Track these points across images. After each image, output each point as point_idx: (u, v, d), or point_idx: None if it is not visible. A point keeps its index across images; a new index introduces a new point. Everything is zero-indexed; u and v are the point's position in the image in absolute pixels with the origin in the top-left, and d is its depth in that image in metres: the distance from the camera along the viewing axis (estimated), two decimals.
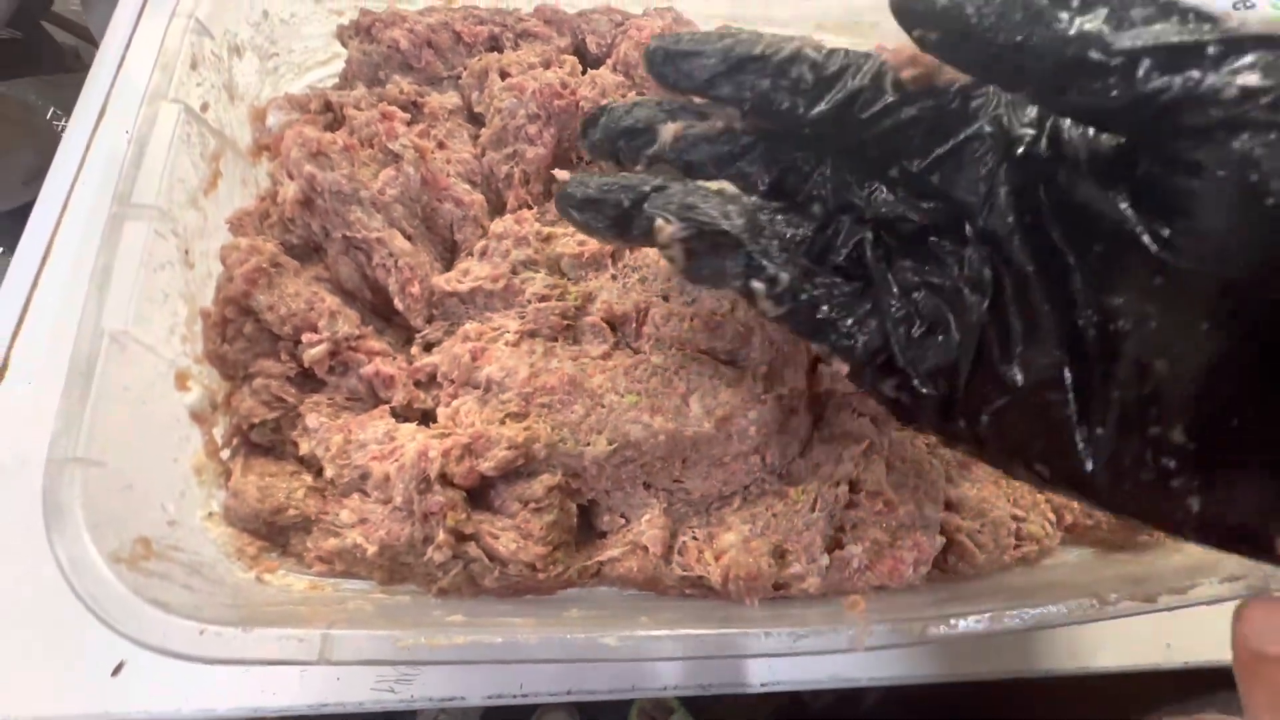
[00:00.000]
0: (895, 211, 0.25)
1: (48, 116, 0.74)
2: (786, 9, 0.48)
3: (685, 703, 0.80)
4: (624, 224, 0.27)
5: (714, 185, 0.27)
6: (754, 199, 0.27)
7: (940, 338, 0.24)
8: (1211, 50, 0.17)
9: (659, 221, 0.26)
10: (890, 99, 0.24)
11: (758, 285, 0.25)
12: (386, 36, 0.41)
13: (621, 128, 0.28)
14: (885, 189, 0.26)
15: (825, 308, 0.26)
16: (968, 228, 0.24)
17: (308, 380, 0.36)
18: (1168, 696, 0.44)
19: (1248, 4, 0.57)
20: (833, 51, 0.24)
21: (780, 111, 0.25)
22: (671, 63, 0.26)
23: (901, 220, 0.25)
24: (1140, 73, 0.18)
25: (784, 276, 0.25)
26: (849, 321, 0.26)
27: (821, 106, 0.24)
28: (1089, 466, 0.21)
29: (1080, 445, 0.21)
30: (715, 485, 0.34)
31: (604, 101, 0.40)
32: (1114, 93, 0.18)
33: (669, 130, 0.27)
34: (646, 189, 0.26)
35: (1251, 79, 0.17)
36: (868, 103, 0.24)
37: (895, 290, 0.25)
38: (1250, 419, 0.19)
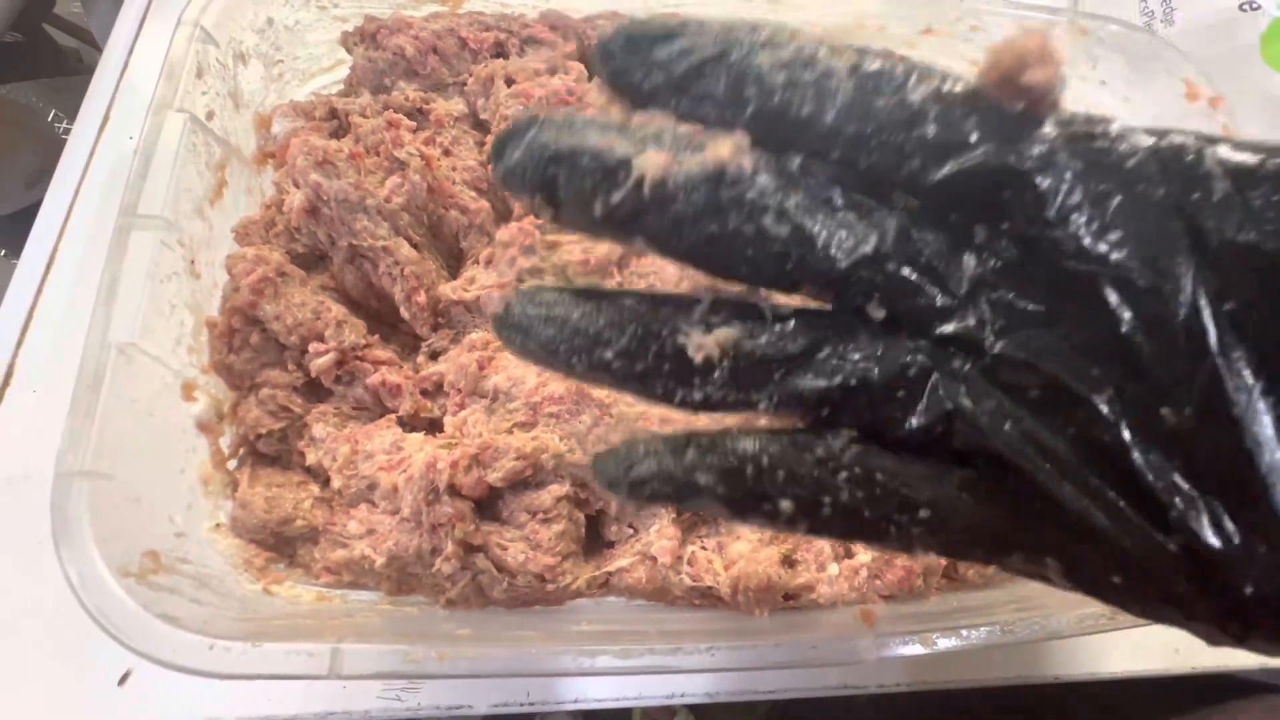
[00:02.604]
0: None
1: (49, 119, 0.74)
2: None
3: None
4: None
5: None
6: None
7: None
8: None
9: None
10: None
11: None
12: (391, 43, 0.41)
13: (561, 150, 0.16)
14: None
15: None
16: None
17: (314, 390, 0.36)
18: (1176, 702, 0.44)
19: (1253, 5, 0.57)
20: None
21: (801, 120, 0.15)
22: (638, 51, 0.16)
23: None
24: None
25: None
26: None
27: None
28: None
29: None
30: None
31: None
32: None
33: (652, 163, 0.15)
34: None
35: None
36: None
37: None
38: None
